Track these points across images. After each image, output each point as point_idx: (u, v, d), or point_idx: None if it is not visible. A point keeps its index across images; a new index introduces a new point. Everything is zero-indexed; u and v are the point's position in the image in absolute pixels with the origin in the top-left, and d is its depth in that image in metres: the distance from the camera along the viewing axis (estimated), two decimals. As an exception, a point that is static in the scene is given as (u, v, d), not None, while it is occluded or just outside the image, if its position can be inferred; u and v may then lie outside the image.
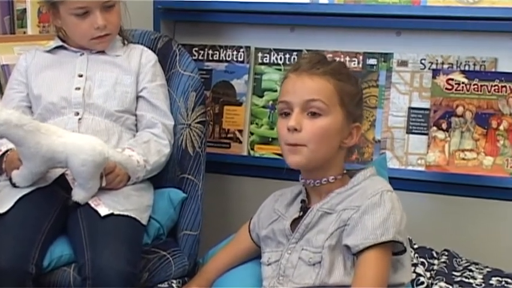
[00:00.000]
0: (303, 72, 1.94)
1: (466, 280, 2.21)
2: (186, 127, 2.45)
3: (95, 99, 2.35)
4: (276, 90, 2.75)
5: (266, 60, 2.81)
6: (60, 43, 2.45)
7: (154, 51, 2.51)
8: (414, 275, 2.18)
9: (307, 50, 2.71)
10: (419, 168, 2.58)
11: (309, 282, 1.87)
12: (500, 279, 2.22)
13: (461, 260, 2.37)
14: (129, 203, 2.21)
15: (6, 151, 2.26)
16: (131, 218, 2.17)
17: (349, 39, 2.69)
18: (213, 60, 2.87)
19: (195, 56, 2.86)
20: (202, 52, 2.88)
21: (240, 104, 2.83)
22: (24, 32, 2.73)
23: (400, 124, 2.62)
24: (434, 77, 2.58)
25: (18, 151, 2.16)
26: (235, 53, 2.84)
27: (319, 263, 1.87)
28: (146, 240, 2.25)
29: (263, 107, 2.81)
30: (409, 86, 2.62)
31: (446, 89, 2.56)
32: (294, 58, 2.75)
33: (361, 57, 2.68)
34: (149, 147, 2.32)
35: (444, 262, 2.32)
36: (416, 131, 2.60)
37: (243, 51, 2.83)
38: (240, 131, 2.83)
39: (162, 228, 2.31)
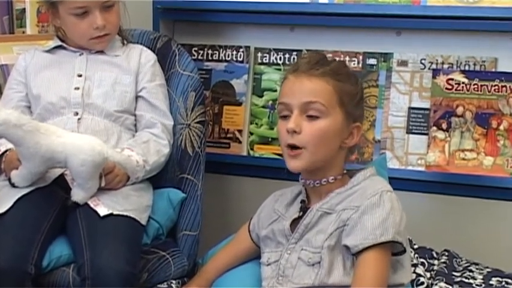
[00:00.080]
0: (301, 73, 1.93)
1: (466, 280, 2.21)
2: (186, 127, 2.44)
3: (94, 99, 2.35)
4: (275, 90, 2.74)
5: (266, 60, 2.80)
6: (59, 43, 2.44)
7: (153, 51, 2.51)
8: (414, 275, 2.17)
9: (307, 50, 2.71)
10: (419, 168, 2.58)
11: (308, 282, 1.87)
12: (500, 279, 2.22)
13: (462, 261, 2.36)
14: (129, 203, 2.21)
15: (5, 151, 2.26)
16: (130, 218, 2.17)
17: (349, 39, 2.69)
18: (212, 60, 2.86)
19: (194, 55, 2.86)
20: (201, 52, 2.88)
21: (239, 104, 2.83)
22: (23, 32, 2.73)
23: (400, 124, 2.62)
24: (434, 76, 2.57)
25: (17, 151, 2.15)
26: (234, 52, 2.84)
27: (319, 263, 1.87)
28: (145, 241, 2.25)
29: (263, 106, 2.80)
30: (409, 86, 2.62)
31: (447, 88, 2.56)
32: (293, 58, 2.75)
33: (361, 57, 2.67)
34: (148, 147, 2.32)
35: (444, 262, 2.32)
36: (416, 131, 2.60)
37: (243, 51, 2.83)
38: (240, 131, 2.82)
39: (161, 228, 2.31)
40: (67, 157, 2.11)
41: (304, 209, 1.97)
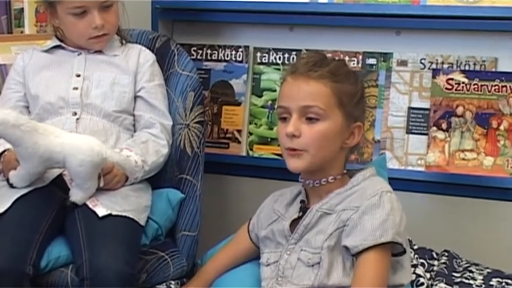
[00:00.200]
0: (299, 75, 1.92)
1: (466, 281, 2.21)
2: (185, 127, 2.44)
3: (93, 99, 2.34)
4: (275, 90, 2.74)
5: (265, 60, 2.80)
6: (58, 43, 2.44)
7: (152, 51, 2.50)
8: (414, 276, 2.17)
9: (307, 50, 2.70)
10: (419, 169, 2.58)
11: (307, 283, 1.87)
12: (500, 280, 2.22)
13: (462, 261, 2.36)
14: (127, 204, 2.20)
15: (4, 151, 2.26)
16: (129, 219, 2.16)
17: (349, 39, 2.69)
18: (211, 60, 2.86)
19: (193, 55, 2.86)
20: (200, 52, 2.88)
21: (238, 104, 2.82)
22: (22, 32, 2.73)
23: (399, 124, 2.62)
24: (434, 76, 2.57)
25: (15, 151, 2.15)
26: (234, 52, 2.83)
27: (318, 264, 1.86)
28: (144, 241, 2.24)
29: (262, 106, 2.80)
30: (408, 86, 2.61)
31: (446, 88, 2.55)
32: (293, 58, 2.74)
33: (360, 57, 2.67)
34: (147, 148, 2.31)
35: (444, 263, 2.31)
36: (416, 131, 2.59)
37: (242, 51, 2.82)
38: (239, 131, 2.82)
39: (160, 228, 2.30)
40: (65, 157, 2.10)
41: (303, 209, 1.97)
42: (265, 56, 2.80)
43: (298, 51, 2.74)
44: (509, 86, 2.49)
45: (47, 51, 2.44)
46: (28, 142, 2.08)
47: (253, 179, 2.79)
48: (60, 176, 2.23)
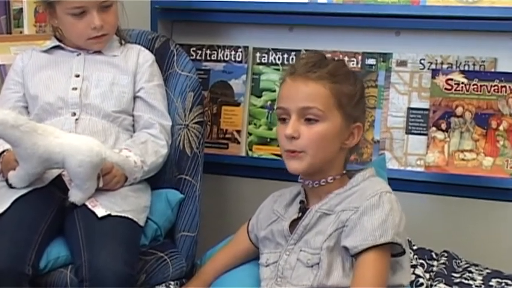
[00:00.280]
0: (298, 77, 1.92)
1: (466, 281, 2.21)
2: (184, 127, 2.44)
3: (92, 99, 2.34)
4: (274, 91, 2.74)
5: (264, 60, 2.80)
6: (57, 43, 2.44)
7: (151, 51, 2.50)
8: (413, 277, 2.17)
9: (306, 50, 2.70)
10: (419, 169, 2.57)
11: (307, 283, 1.87)
12: (500, 280, 2.21)
13: (461, 261, 2.36)
14: (127, 204, 2.20)
15: (3, 152, 2.25)
16: (128, 219, 2.16)
17: (348, 39, 2.69)
18: (211, 60, 2.86)
19: (192, 56, 2.86)
20: (200, 52, 2.87)
21: (238, 104, 2.82)
22: (21, 32, 2.72)
23: (399, 124, 2.61)
24: (433, 77, 2.57)
25: (14, 152, 2.15)
26: (233, 53, 2.83)
27: (318, 265, 1.86)
28: (143, 242, 2.24)
29: (261, 107, 2.80)
30: (408, 86, 2.61)
31: (446, 89, 2.55)
32: (292, 58, 2.74)
33: (360, 57, 2.67)
34: (146, 148, 2.31)
35: (444, 263, 2.31)
36: (415, 132, 2.59)
37: (241, 51, 2.82)
38: (238, 132, 2.82)
39: (159, 229, 2.30)
40: (65, 158, 2.10)
41: (303, 209, 1.97)
42: (264, 57, 2.80)
43: (298, 51, 2.74)
44: (509, 87, 2.49)
45: (46, 51, 2.44)
46: (27, 142, 2.08)
47: (253, 180, 2.79)
48: (59, 177, 2.23)
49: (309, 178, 1.96)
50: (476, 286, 2.19)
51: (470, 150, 2.51)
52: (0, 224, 2.08)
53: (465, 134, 2.52)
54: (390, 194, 1.88)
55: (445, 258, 2.34)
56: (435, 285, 2.18)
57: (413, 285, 2.16)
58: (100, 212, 2.13)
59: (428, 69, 2.59)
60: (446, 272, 2.26)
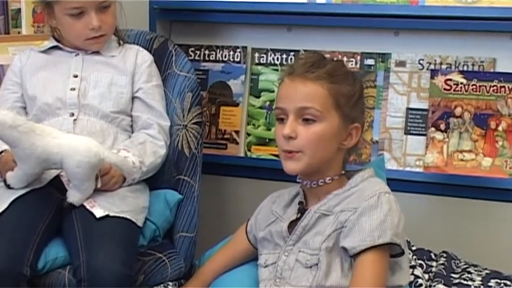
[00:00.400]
0: (296, 77, 1.92)
1: (465, 282, 2.21)
2: (182, 128, 2.43)
3: (90, 100, 2.34)
4: (273, 91, 2.73)
5: (263, 60, 2.79)
6: (55, 43, 2.43)
7: (150, 52, 2.50)
8: (412, 277, 2.17)
9: (305, 50, 2.70)
10: (418, 170, 2.57)
11: (305, 284, 1.86)
12: (499, 281, 2.21)
13: (460, 262, 2.36)
14: (125, 205, 2.20)
15: (1, 152, 2.25)
16: (127, 220, 2.16)
17: (347, 39, 2.68)
18: (209, 61, 2.85)
19: (191, 56, 2.85)
20: (198, 52, 2.87)
21: (236, 105, 2.82)
22: (19, 32, 2.72)
23: (398, 125, 2.61)
24: (432, 77, 2.57)
25: (12, 152, 2.14)
26: (231, 53, 2.83)
27: (316, 265, 1.86)
28: (142, 242, 2.24)
29: (260, 107, 2.79)
30: (407, 87, 2.61)
31: (445, 89, 2.55)
32: (291, 58, 2.74)
33: (358, 58, 2.67)
34: (145, 149, 2.31)
35: (443, 264, 2.31)
36: (414, 132, 2.59)
37: (240, 52, 2.82)
38: (237, 132, 2.82)
39: (158, 230, 2.30)
40: (63, 158, 2.10)
41: (302, 210, 1.97)
42: (263, 57, 2.80)
43: (296, 51, 2.73)
44: (508, 87, 2.48)
45: (44, 51, 2.44)
46: (25, 143, 2.08)
47: (251, 180, 2.78)
48: (57, 177, 2.23)
49: (307, 178, 1.95)
50: (475, 287, 2.19)
51: (469, 151, 2.51)
52: (-2, 224, 2.08)
53: (464, 135, 2.52)
54: (389, 195, 1.88)
55: (444, 259, 2.34)
56: (434, 286, 2.18)
57: (412, 286, 2.16)
58: (98, 212, 2.13)
59: (427, 69, 2.58)
60: (445, 273, 2.26)
